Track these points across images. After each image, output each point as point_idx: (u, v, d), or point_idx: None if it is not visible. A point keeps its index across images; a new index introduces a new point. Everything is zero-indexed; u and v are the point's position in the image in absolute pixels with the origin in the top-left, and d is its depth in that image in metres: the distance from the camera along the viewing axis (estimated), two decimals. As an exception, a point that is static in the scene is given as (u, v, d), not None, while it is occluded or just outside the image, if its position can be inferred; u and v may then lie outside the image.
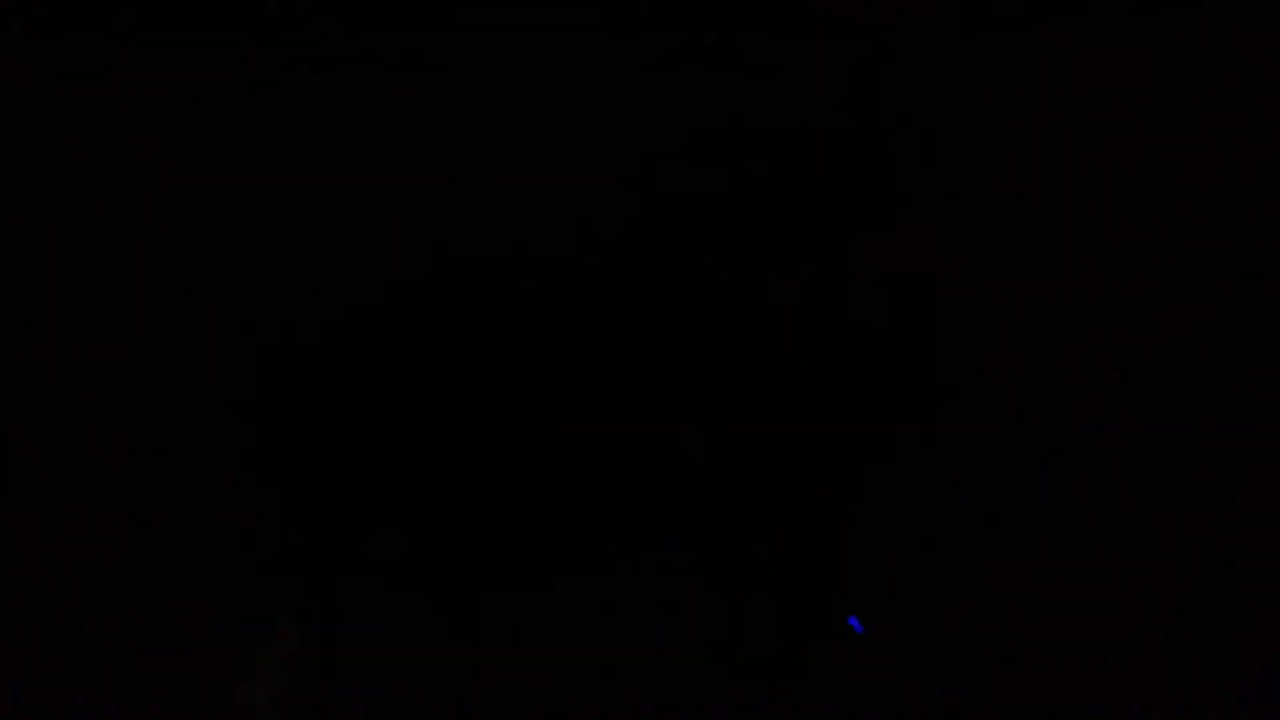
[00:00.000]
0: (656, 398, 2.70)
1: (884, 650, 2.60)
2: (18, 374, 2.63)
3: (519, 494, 2.69)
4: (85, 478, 2.62)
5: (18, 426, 2.62)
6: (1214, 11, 2.61)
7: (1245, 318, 2.60)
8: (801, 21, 2.67)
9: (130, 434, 2.64)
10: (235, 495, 2.65)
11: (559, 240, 2.71)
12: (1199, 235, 2.62)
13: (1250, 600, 2.53)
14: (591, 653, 2.62)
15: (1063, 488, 2.60)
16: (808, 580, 2.64)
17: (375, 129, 2.71)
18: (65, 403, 2.63)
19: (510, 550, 2.68)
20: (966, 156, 2.67)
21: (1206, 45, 2.62)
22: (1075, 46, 2.65)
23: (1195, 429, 2.59)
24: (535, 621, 2.64)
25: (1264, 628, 2.51)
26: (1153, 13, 2.63)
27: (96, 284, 2.67)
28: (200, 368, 2.68)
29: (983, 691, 2.56)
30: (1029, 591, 2.58)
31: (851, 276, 2.68)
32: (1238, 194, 2.61)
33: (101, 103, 2.68)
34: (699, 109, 2.69)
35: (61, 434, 2.63)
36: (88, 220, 2.68)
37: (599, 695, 2.61)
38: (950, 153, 2.67)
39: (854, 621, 2.59)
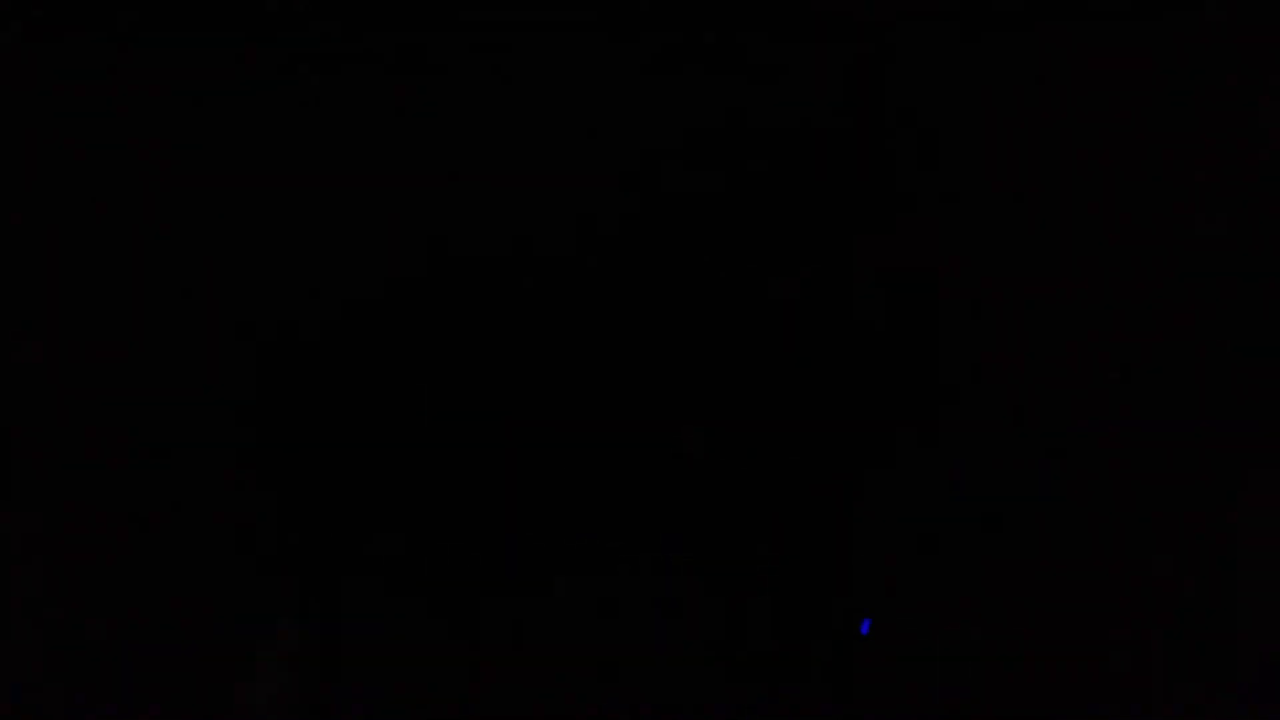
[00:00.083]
0: (656, 398, 2.70)
1: (884, 650, 2.60)
2: (18, 374, 2.63)
3: (519, 494, 2.69)
4: (85, 478, 2.62)
5: (18, 426, 2.62)
6: (1214, 11, 2.61)
7: (1245, 318, 2.60)
8: (801, 21, 2.67)
9: (130, 434, 2.64)
10: (235, 495, 2.65)
11: (559, 240, 2.71)
12: (1199, 235, 2.62)
13: (1250, 600, 2.53)
14: (591, 653, 2.62)
15: (1063, 488, 2.60)
16: (808, 580, 2.64)
17: (375, 129, 2.71)
18: (65, 403, 2.63)
19: (510, 550, 2.68)
20: (966, 156, 2.67)
21: (1206, 45, 2.62)
22: (1075, 46, 2.65)
23: (1195, 429, 2.59)
24: (535, 621, 2.64)
25: (1264, 628, 2.51)
26: (1153, 13, 2.63)
27: (96, 284, 2.67)
28: (200, 368, 2.68)
29: (983, 691, 2.56)
30: (1029, 591, 2.58)
31: (851, 276, 2.68)
32: (1238, 194, 2.61)
33: (101, 103, 2.68)
34: (699, 109, 2.69)
35: (61, 434, 2.63)
36: (88, 220, 2.68)
37: (599, 695, 2.61)
38: (950, 153, 2.67)
39: (865, 625, 2.60)
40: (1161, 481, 2.58)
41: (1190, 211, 2.63)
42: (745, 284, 2.70)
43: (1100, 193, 2.65)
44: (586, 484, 2.69)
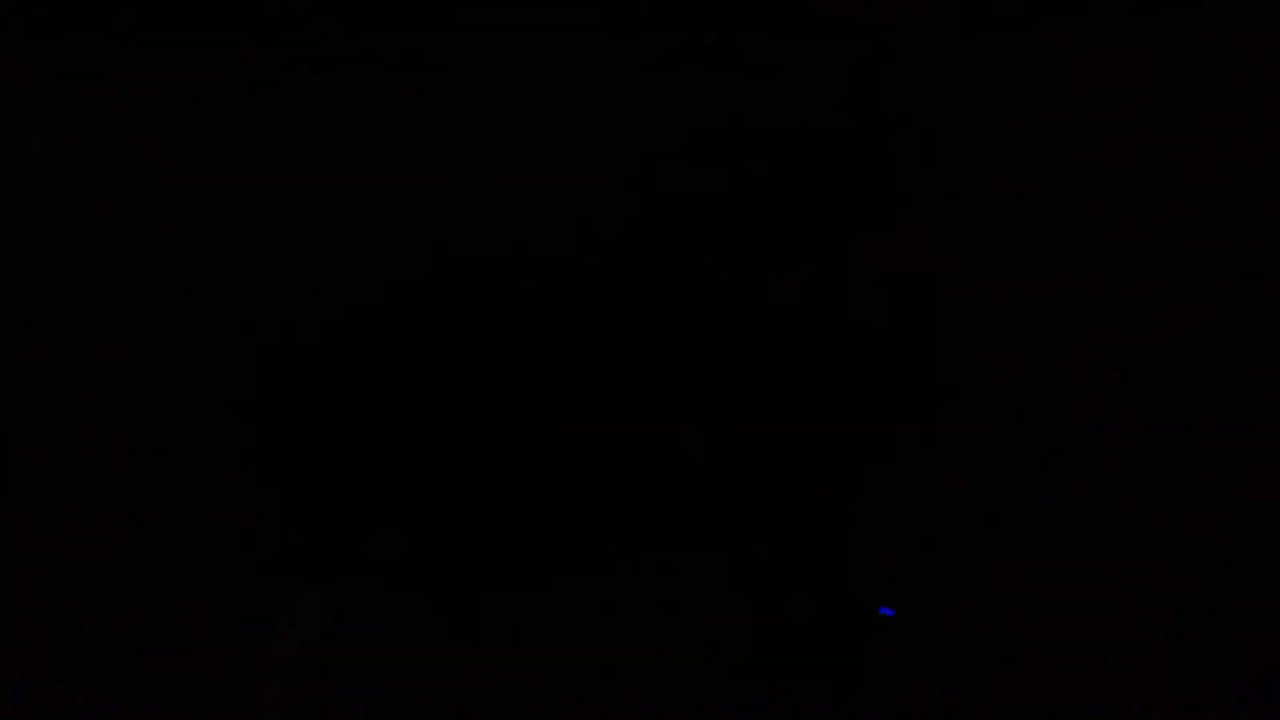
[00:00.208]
0: (657, 397, 2.70)
1: (884, 650, 2.60)
2: (18, 374, 2.63)
3: (519, 494, 2.69)
4: (85, 478, 2.62)
5: (18, 426, 2.62)
6: (1214, 11, 2.61)
7: (1245, 318, 2.60)
8: (801, 21, 2.67)
9: (130, 434, 2.64)
10: (235, 495, 2.65)
11: (559, 240, 2.71)
12: (1199, 235, 2.62)
13: (1250, 600, 2.53)
14: (591, 653, 2.62)
15: (1063, 488, 2.60)
16: (808, 580, 2.64)
17: (375, 129, 2.71)
18: (65, 403, 2.64)
19: (510, 550, 2.68)
20: (966, 156, 2.67)
21: (1206, 45, 2.62)
22: (1075, 46, 2.65)
23: (1195, 429, 2.59)
24: (535, 621, 2.64)
25: (1264, 628, 2.51)
26: (1153, 13, 2.63)
27: (96, 284, 2.67)
28: (200, 368, 2.68)
29: (983, 691, 2.56)
30: (1029, 591, 2.58)
31: (851, 276, 2.68)
32: (1238, 194, 2.62)
33: (101, 103, 2.68)
34: (699, 109, 2.69)
35: (61, 434, 2.63)
36: (88, 220, 2.68)
37: (599, 695, 2.61)
38: (950, 153, 2.67)
39: (886, 611, 2.60)
40: (1161, 481, 2.58)
41: (1190, 211, 2.63)
42: (745, 284, 2.70)
43: (1100, 193, 2.65)
44: (586, 484, 2.69)
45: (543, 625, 2.63)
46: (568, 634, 2.63)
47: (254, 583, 2.64)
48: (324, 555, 2.67)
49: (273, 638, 2.60)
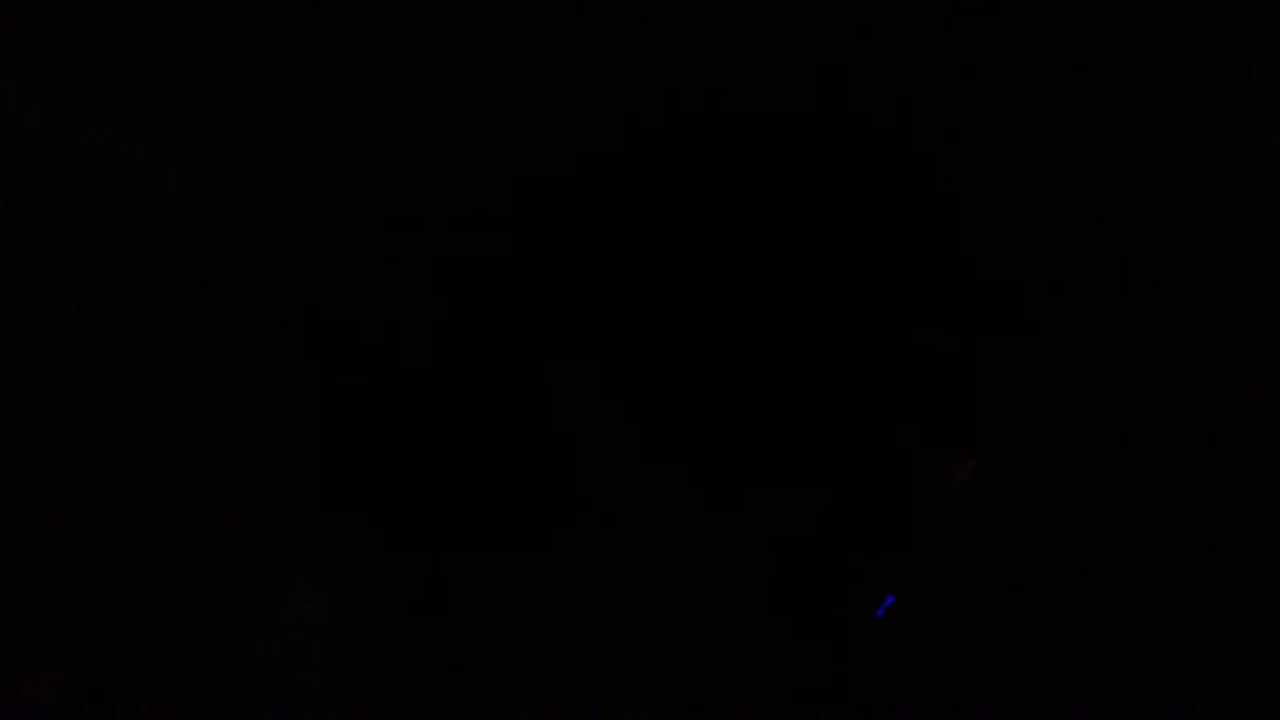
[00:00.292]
0: (656, 397, 2.70)
1: (884, 650, 2.60)
2: (18, 374, 2.63)
3: (519, 491, 2.69)
4: (85, 478, 2.63)
5: (17, 426, 2.63)
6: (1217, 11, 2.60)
7: (1245, 317, 2.60)
8: (801, 21, 2.67)
9: (130, 433, 2.65)
10: (238, 490, 2.66)
11: (553, 234, 2.71)
12: (1201, 235, 2.62)
13: (1250, 600, 2.53)
14: (595, 648, 2.63)
15: (1063, 488, 2.60)
16: (808, 580, 2.65)
17: (369, 128, 2.71)
18: (65, 402, 2.64)
19: (515, 545, 2.68)
20: (967, 156, 2.67)
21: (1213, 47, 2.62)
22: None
23: (1195, 428, 2.59)
24: (535, 616, 2.64)
25: (1264, 628, 2.52)
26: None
27: (96, 284, 2.67)
28: (200, 366, 2.68)
29: (983, 691, 2.56)
30: (1030, 592, 2.59)
31: (851, 276, 2.68)
32: (1239, 193, 2.61)
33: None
34: (694, 104, 2.69)
35: (61, 434, 2.63)
36: (89, 220, 2.68)
37: (599, 694, 2.62)
38: (951, 153, 2.67)
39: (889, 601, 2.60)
40: (1162, 481, 2.58)
41: (1191, 211, 2.63)
42: (745, 284, 2.70)
43: (1102, 192, 2.65)
44: (586, 483, 2.69)
45: (543, 621, 2.64)
46: (568, 631, 2.63)
47: (261, 572, 2.65)
48: (329, 548, 2.67)
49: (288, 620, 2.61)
